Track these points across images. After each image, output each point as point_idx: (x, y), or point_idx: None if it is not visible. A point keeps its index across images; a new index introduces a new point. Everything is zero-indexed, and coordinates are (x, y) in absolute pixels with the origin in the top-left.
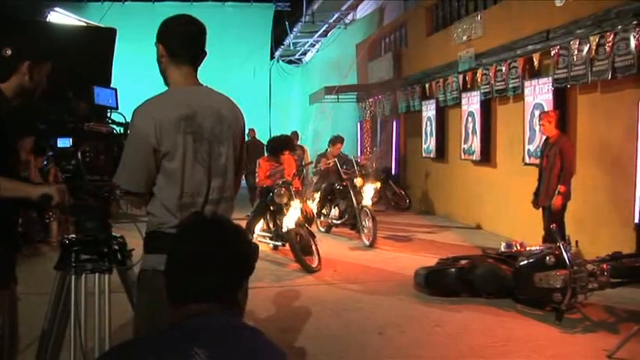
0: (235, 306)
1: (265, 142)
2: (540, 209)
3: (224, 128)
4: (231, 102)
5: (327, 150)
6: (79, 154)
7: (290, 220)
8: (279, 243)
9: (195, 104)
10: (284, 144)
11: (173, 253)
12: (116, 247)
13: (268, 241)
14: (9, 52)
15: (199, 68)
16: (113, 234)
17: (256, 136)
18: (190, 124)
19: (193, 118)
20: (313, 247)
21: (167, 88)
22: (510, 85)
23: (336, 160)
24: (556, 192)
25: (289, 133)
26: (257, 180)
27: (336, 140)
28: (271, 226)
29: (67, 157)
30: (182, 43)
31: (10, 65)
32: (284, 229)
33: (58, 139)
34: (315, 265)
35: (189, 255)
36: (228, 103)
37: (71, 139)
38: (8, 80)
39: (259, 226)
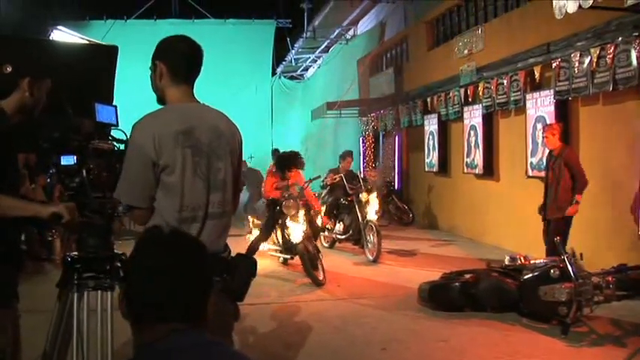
0: (203, 322)
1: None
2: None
3: (222, 143)
4: (227, 118)
5: (339, 165)
6: (84, 172)
7: (298, 232)
8: (289, 256)
9: (193, 119)
10: (292, 161)
11: (129, 272)
12: (118, 265)
13: (278, 254)
14: (9, 68)
15: (200, 85)
16: (116, 251)
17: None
18: (188, 137)
19: (191, 133)
20: (318, 260)
21: (161, 105)
22: (512, 98)
23: (342, 175)
24: (573, 201)
25: (282, 151)
26: (263, 192)
27: (346, 155)
28: (280, 239)
29: (71, 175)
30: (185, 62)
31: (10, 82)
32: (294, 242)
33: (62, 157)
34: (321, 278)
35: (145, 274)
36: (224, 120)
37: (75, 157)
38: (8, 97)
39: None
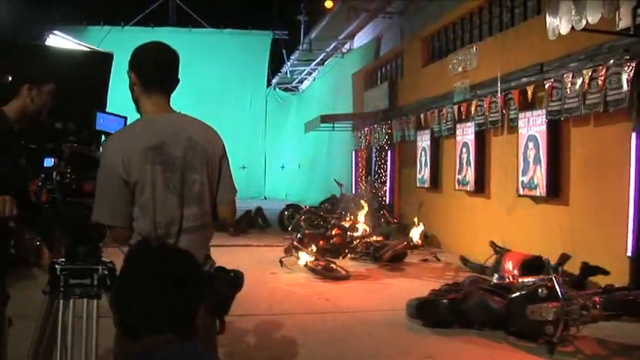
0: (192, 334)
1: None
2: None
3: (196, 154)
4: (204, 126)
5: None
6: (55, 175)
7: None
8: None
9: (165, 133)
10: None
11: (120, 285)
12: (105, 273)
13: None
14: (10, 78)
15: (195, 93)
16: (103, 259)
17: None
18: (159, 153)
19: (161, 148)
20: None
21: (139, 115)
22: (504, 117)
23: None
24: None
25: None
26: None
27: None
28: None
29: (49, 177)
30: (153, 70)
31: (9, 89)
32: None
33: (45, 159)
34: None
35: (136, 286)
36: (201, 128)
37: (53, 160)
38: (9, 103)
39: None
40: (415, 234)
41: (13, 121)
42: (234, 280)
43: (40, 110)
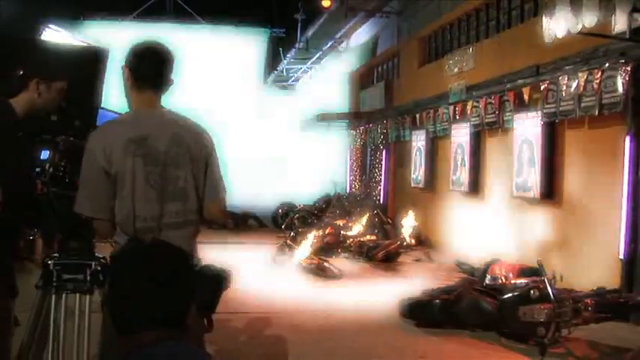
0: (185, 331)
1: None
2: None
3: (181, 151)
4: (192, 123)
5: None
6: (47, 166)
7: None
8: None
9: (150, 127)
10: None
11: (114, 282)
12: (98, 268)
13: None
14: (21, 72)
15: (192, 88)
16: (96, 254)
17: None
18: (140, 146)
19: (144, 141)
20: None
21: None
22: (500, 118)
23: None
24: None
25: None
26: None
27: None
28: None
29: (44, 170)
30: (147, 68)
31: (17, 82)
32: None
33: (42, 151)
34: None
35: (130, 283)
36: (188, 125)
37: (48, 152)
38: (17, 96)
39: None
40: (406, 228)
41: (20, 114)
42: (220, 278)
43: (46, 107)
